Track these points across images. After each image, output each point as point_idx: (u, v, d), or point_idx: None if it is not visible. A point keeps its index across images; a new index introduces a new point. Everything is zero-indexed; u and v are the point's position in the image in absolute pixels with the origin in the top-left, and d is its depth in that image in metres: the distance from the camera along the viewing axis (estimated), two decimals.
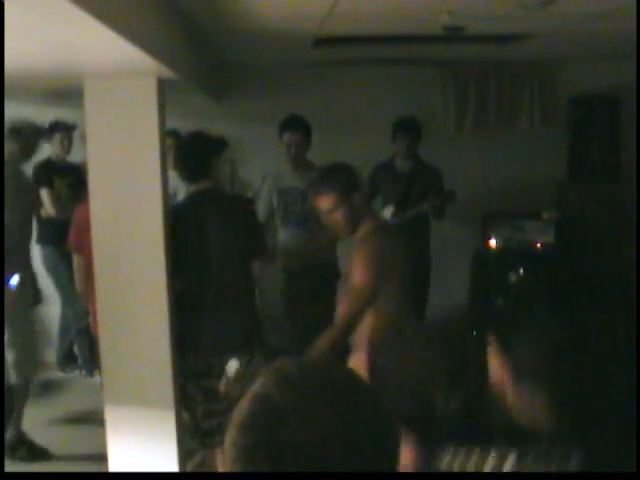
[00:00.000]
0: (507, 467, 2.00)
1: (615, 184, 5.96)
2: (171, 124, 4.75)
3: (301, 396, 0.95)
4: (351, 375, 1.03)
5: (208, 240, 3.62)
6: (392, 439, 1.01)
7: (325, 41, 4.58)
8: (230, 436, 0.96)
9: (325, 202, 3.20)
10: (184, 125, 5.71)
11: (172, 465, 3.57)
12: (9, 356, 4.25)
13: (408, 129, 5.56)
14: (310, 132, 4.91)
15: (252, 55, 5.38)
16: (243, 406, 0.97)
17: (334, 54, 5.32)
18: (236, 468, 0.94)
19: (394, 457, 1.00)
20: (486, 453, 1.98)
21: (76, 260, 4.15)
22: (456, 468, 1.86)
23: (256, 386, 0.99)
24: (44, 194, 5.30)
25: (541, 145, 6.30)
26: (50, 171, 5.42)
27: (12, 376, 4.26)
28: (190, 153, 3.72)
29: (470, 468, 1.88)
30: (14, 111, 4.58)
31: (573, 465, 1.87)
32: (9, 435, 4.26)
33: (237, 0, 3.15)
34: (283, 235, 4.97)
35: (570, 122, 6.18)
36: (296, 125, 4.87)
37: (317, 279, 4.73)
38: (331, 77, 6.11)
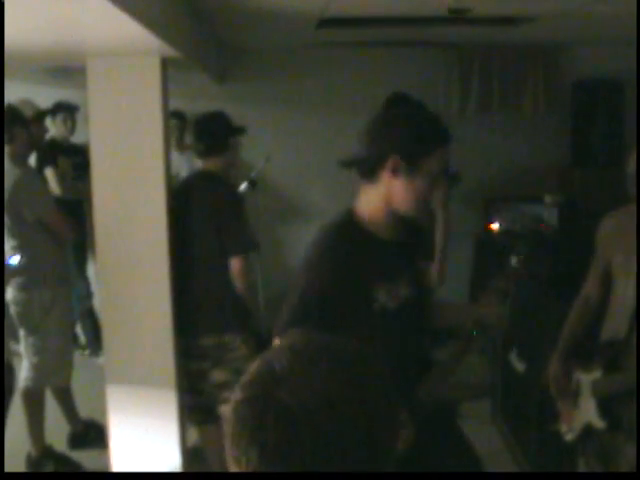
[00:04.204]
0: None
1: (618, 168, 5.93)
2: (174, 105, 4.74)
3: (299, 362, 0.97)
4: (355, 347, 1.04)
5: (185, 226, 3.59)
6: (392, 411, 1.01)
7: (329, 22, 4.55)
8: (232, 394, 1.01)
9: None
10: (187, 106, 5.71)
11: (173, 445, 3.59)
12: (34, 360, 4.00)
13: None
14: None
15: (255, 36, 5.35)
16: (250, 368, 1.01)
17: (338, 35, 5.29)
18: (228, 425, 0.98)
19: (392, 431, 1.01)
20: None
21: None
22: None
23: (266, 352, 1.03)
24: (49, 173, 5.30)
25: (545, 129, 6.28)
26: (55, 151, 5.42)
27: (30, 382, 4.01)
28: (211, 129, 3.62)
29: None
30: (17, 91, 4.57)
31: None
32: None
33: None
34: None
35: (574, 106, 6.15)
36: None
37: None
38: (334, 59, 6.07)
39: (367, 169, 2.04)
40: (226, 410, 1.05)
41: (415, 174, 1.98)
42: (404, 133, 1.99)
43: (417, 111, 2.07)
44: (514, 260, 4.51)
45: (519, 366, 3.99)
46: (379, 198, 2.05)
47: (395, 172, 1.98)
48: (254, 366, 1.01)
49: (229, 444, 0.97)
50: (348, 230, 2.07)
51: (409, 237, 2.20)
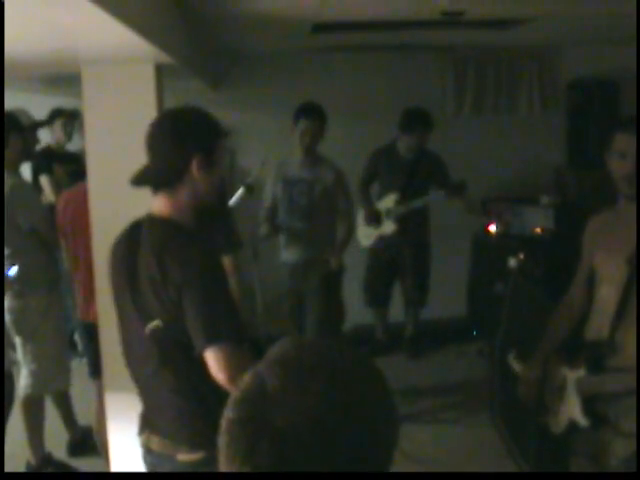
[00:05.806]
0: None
1: None
2: None
3: (292, 376, 0.94)
4: (352, 357, 1.00)
5: None
6: (391, 423, 0.98)
7: (323, 27, 4.56)
8: (225, 409, 0.97)
9: None
10: None
11: None
12: (32, 367, 4.01)
13: (423, 123, 5.43)
14: (325, 122, 4.62)
15: (250, 41, 5.35)
16: (241, 382, 0.98)
17: (332, 40, 5.29)
18: (220, 441, 0.95)
19: (391, 442, 0.98)
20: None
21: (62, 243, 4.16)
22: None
23: (257, 365, 0.99)
24: (44, 181, 5.29)
25: (540, 130, 6.29)
26: (50, 158, 5.42)
27: (30, 389, 4.02)
28: None
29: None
30: (11, 101, 4.56)
31: None
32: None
33: None
34: (287, 233, 4.77)
35: (569, 107, 6.17)
36: (313, 113, 4.59)
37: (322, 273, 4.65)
38: (329, 63, 6.09)
39: (170, 176, 2.21)
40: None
41: (212, 166, 2.20)
42: (200, 133, 2.22)
43: (198, 112, 2.25)
44: (512, 261, 4.52)
45: (518, 367, 3.98)
46: (185, 198, 2.21)
47: (199, 169, 2.17)
48: (245, 381, 0.97)
49: (223, 459, 0.95)
50: (182, 231, 2.21)
51: (213, 224, 2.48)
